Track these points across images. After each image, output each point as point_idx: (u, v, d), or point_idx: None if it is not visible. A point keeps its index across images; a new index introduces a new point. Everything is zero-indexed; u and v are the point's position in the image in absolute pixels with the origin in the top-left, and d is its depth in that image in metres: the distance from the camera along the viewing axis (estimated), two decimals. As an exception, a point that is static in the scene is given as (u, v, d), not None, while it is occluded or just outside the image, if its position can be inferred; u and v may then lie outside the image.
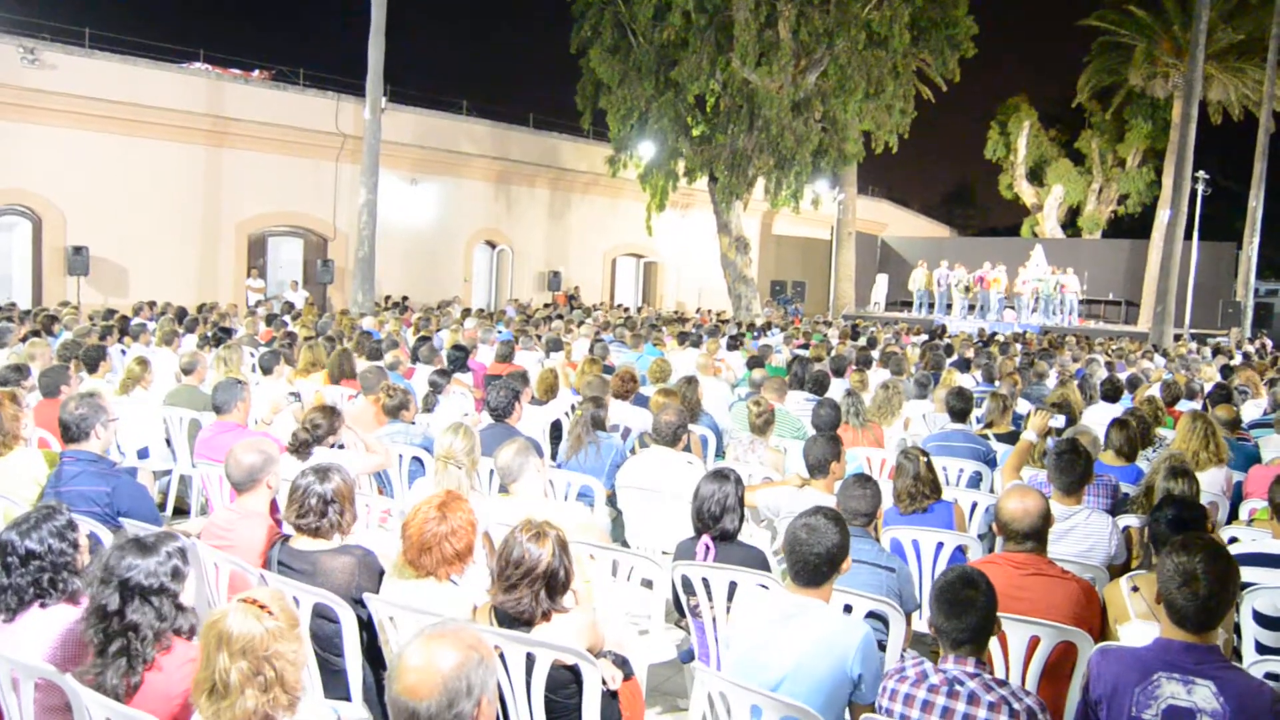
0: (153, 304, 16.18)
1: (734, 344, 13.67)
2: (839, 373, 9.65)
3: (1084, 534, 4.68)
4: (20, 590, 3.08)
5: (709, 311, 26.76)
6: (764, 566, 4.15)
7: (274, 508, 4.40)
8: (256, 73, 24.47)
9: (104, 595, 2.78)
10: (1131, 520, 5.06)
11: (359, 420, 6.86)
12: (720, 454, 7.32)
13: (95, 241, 19.79)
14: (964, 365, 11.88)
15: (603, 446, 6.29)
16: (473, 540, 3.62)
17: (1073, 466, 4.76)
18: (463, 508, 3.63)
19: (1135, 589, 3.73)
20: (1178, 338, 22.69)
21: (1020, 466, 5.52)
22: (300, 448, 5.39)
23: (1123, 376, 10.55)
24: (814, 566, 3.31)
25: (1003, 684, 2.83)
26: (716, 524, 4.20)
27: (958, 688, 2.82)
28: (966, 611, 2.91)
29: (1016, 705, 2.75)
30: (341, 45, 24.89)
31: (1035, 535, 3.87)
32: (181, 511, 7.35)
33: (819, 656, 3.17)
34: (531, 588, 3.28)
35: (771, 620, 3.32)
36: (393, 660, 2.16)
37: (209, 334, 11.78)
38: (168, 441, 7.54)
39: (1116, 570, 4.54)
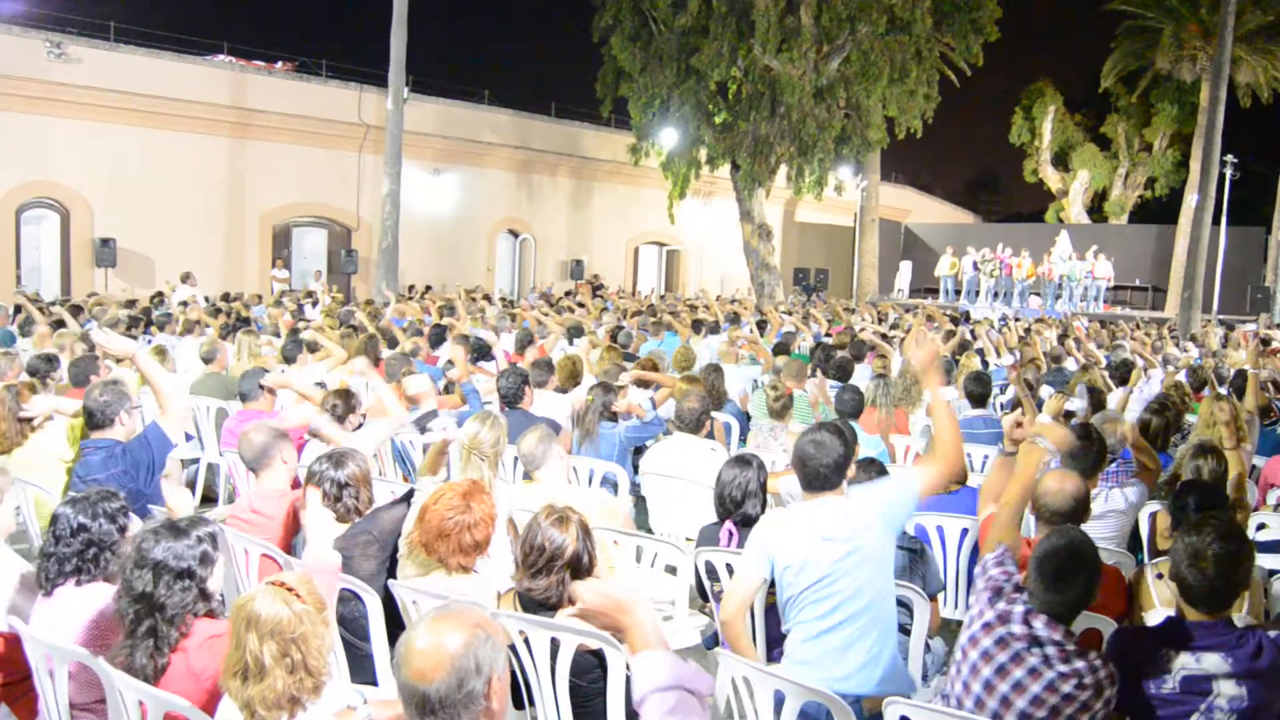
0: (166, 295, 16.24)
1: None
2: (859, 358, 9.61)
3: (1104, 510, 4.69)
4: (62, 560, 3.17)
5: (729, 300, 26.64)
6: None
7: (296, 483, 4.45)
8: (280, 64, 24.56)
9: (135, 576, 2.84)
10: (1159, 506, 5.03)
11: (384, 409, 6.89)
12: (742, 441, 7.32)
13: (122, 233, 19.97)
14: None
15: (602, 439, 6.28)
16: (490, 534, 3.62)
17: (1086, 453, 4.73)
18: (485, 500, 3.63)
19: (1160, 576, 3.71)
20: (1205, 324, 22.44)
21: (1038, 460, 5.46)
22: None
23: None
24: (824, 477, 3.55)
25: (1082, 655, 2.81)
26: (739, 509, 4.21)
27: (1034, 649, 2.82)
28: (1069, 584, 2.88)
29: (1089, 679, 2.74)
30: (364, 36, 24.93)
31: (1066, 518, 3.84)
32: (209, 499, 7.41)
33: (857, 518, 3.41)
34: (557, 573, 3.30)
35: (806, 523, 3.49)
36: (399, 647, 2.14)
37: (229, 323, 11.85)
38: (195, 430, 7.60)
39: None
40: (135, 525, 3.34)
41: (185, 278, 17.73)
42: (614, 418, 6.51)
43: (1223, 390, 8.13)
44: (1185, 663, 2.81)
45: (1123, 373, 8.92)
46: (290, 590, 2.50)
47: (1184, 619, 2.93)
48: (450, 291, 21.36)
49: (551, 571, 3.30)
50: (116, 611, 2.88)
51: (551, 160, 29.05)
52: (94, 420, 4.77)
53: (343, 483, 3.91)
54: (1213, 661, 2.79)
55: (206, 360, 8.17)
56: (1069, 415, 6.25)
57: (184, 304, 14.57)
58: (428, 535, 3.54)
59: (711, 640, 4.36)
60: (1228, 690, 2.76)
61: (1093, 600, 2.94)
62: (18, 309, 12.62)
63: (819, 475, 3.56)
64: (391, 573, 3.77)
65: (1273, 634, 2.87)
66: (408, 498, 3.99)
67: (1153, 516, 4.82)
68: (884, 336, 12.53)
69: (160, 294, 16.22)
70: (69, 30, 20.13)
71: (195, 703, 2.73)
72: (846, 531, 3.38)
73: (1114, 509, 4.77)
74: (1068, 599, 2.87)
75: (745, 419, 7.81)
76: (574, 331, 11.57)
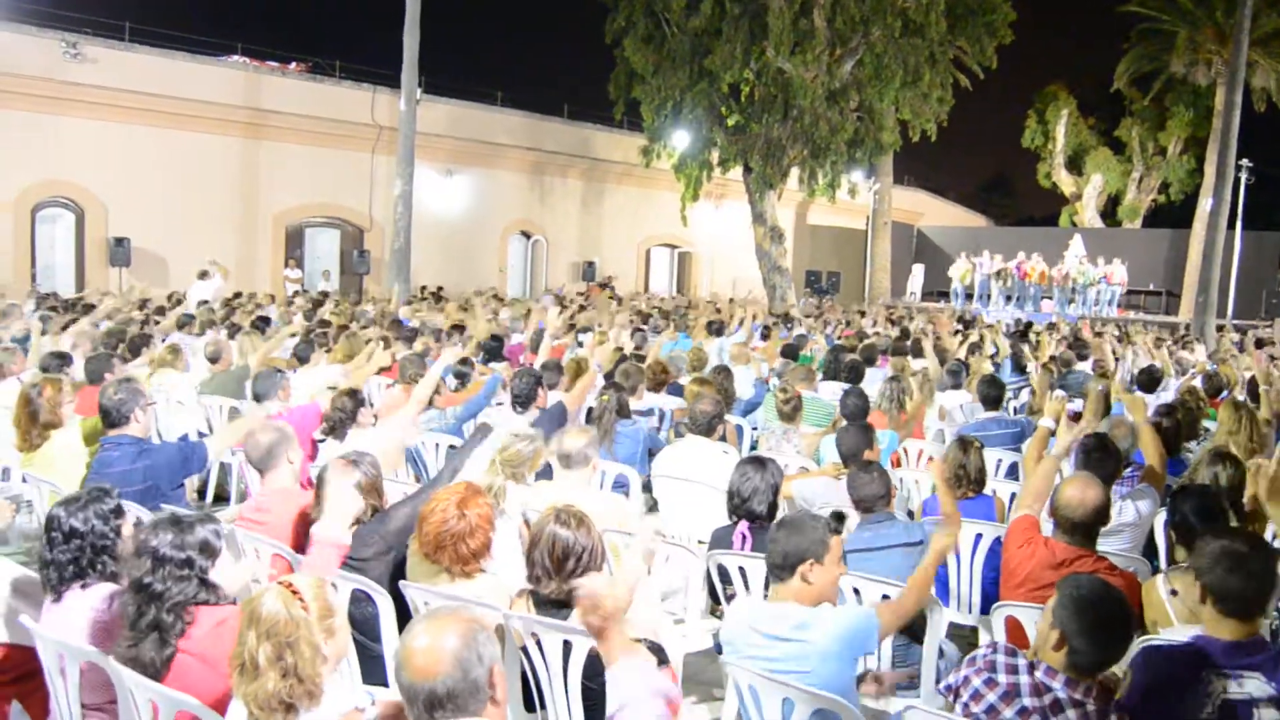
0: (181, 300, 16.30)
1: (766, 334, 13.60)
2: (870, 361, 9.58)
3: (1116, 525, 4.65)
4: (61, 567, 3.14)
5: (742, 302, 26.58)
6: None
7: (308, 483, 4.45)
8: (293, 65, 24.65)
9: (135, 567, 2.86)
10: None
11: (396, 408, 6.90)
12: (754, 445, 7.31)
13: (136, 233, 20.04)
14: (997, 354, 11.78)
15: (623, 438, 6.26)
16: (490, 537, 3.63)
17: (1102, 465, 4.68)
18: (480, 502, 3.62)
19: (1174, 592, 3.62)
20: (1220, 329, 22.33)
21: (1040, 455, 5.40)
22: (334, 429, 5.47)
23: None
24: (774, 566, 3.31)
25: (1104, 716, 2.61)
26: (745, 504, 4.21)
27: (1052, 718, 2.61)
28: (1114, 642, 2.67)
29: None
30: (377, 37, 24.99)
31: (1083, 530, 3.81)
32: (221, 499, 7.42)
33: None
34: (575, 573, 3.30)
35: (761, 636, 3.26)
36: (397, 651, 2.18)
37: (241, 324, 11.86)
38: (207, 429, 7.61)
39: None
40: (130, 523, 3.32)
41: (203, 275, 17.75)
42: (630, 416, 6.50)
43: (1241, 396, 8.08)
44: (1225, 687, 2.66)
45: (1144, 380, 8.87)
46: (295, 593, 2.48)
47: (1216, 640, 2.77)
48: (469, 293, 21.40)
49: (569, 572, 3.30)
50: (120, 605, 2.90)
51: (564, 162, 29.06)
52: (110, 418, 4.79)
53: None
54: (1254, 686, 2.65)
55: (212, 359, 8.19)
56: (1075, 416, 6.20)
57: (203, 303, 14.59)
58: (427, 546, 3.56)
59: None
60: (1269, 717, 2.62)
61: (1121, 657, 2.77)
62: (36, 304, 12.70)
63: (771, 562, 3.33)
64: (401, 574, 3.77)
65: None
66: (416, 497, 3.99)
67: (1168, 525, 4.78)
68: (904, 334, 12.50)
69: (173, 294, 16.29)
70: (84, 30, 20.21)
71: (211, 691, 2.74)
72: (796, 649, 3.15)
73: (1127, 522, 4.73)
74: (1110, 657, 2.67)
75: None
76: (583, 331, 11.57)
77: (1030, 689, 2.66)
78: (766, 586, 3.92)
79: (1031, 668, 2.70)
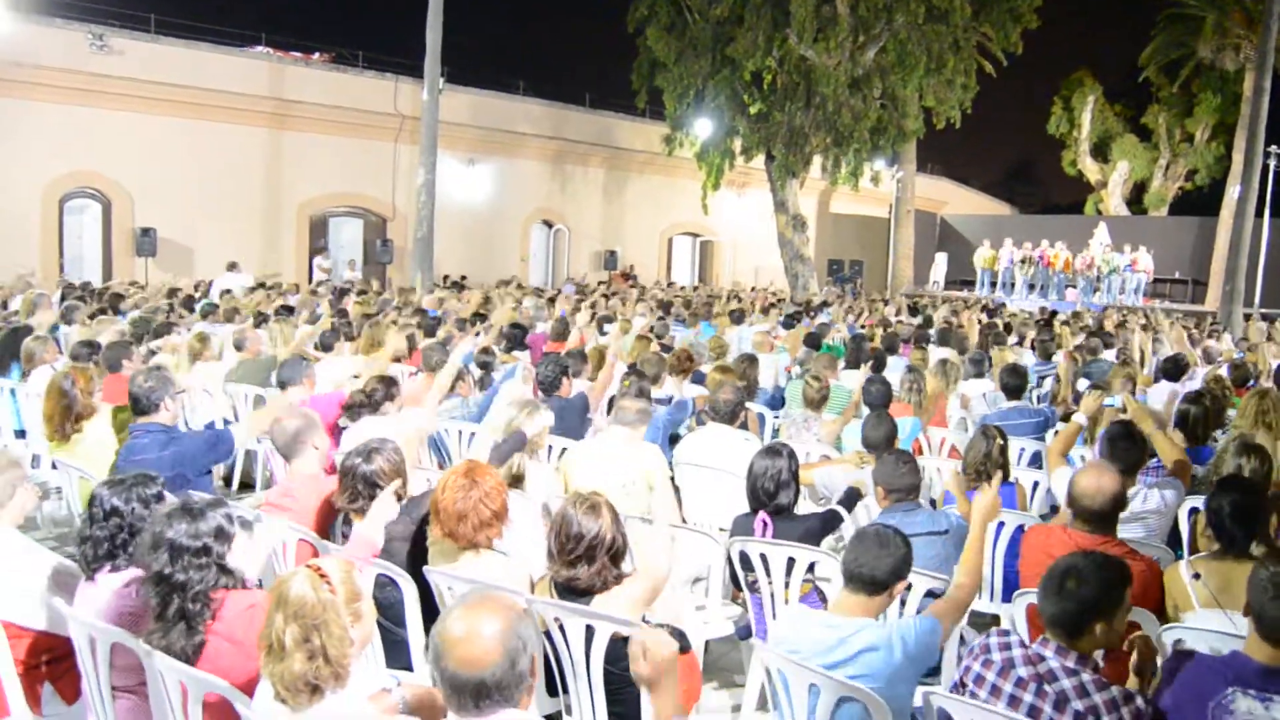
0: (215, 287, 16.43)
1: (790, 322, 13.58)
2: (892, 350, 9.56)
3: (1140, 511, 4.64)
4: (97, 543, 3.19)
5: (765, 290, 26.53)
6: (819, 537, 4.17)
7: (332, 468, 4.49)
8: (317, 55, 24.76)
9: (153, 558, 2.88)
10: (1199, 502, 4.95)
11: (419, 396, 6.95)
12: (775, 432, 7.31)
13: (162, 223, 20.20)
14: (1022, 343, 11.76)
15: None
16: (505, 501, 3.66)
17: (1127, 453, 4.66)
18: (489, 472, 3.66)
19: (1197, 575, 3.61)
20: (1247, 318, 22.10)
21: (1067, 450, 5.36)
22: (351, 408, 5.52)
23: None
24: (871, 581, 3.20)
25: (1104, 687, 2.67)
26: (772, 500, 4.21)
27: (1046, 687, 2.70)
28: (1062, 600, 2.77)
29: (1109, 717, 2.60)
30: (400, 27, 25.10)
31: (1102, 518, 3.80)
32: (248, 485, 7.49)
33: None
34: (601, 560, 3.33)
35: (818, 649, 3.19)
36: (434, 639, 2.15)
37: (267, 313, 11.92)
38: (233, 416, 7.68)
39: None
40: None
41: (231, 266, 17.91)
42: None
43: (1268, 384, 8.01)
44: (1251, 708, 2.63)
45: (1169, 369, 8.80)
46: (323, 576, 2.50)
47: (1251, 660, 2.73)
48: (489, 287, 21.46)
49: (593, 559, 3.33)
50: (145, 597, 2.92)
51: (585, 151, 29.08)
52: (139, 406, 4.84)
53: (373, 480, 3.88)
54: None
55: (238, 347, 8.26)
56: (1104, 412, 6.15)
57: (226, 292, 14.72)
58: (447, 522, 3.57)
59: (744, 631, 4.36)
60: None
61: (1094, 618, 2.77)
62: (64, 295, 12.81)
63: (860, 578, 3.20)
64: (422, 560, 3.81)
65: None
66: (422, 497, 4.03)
67: (1193, 514, 4.75)
68: (927, 323, 12.46)
69: (199, 283, 16.42)
70: (110, 22, 20.38)
71: (243, 673, 2.76)
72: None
73: (1151, 509, 4.71)
74: (1061, 609, 2.76)
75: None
76: (605, 321, 11.58)
77: (1024, 659, 2.79)
78: (788, 574, 3.94)
79: (1024, 643, 2.83)
